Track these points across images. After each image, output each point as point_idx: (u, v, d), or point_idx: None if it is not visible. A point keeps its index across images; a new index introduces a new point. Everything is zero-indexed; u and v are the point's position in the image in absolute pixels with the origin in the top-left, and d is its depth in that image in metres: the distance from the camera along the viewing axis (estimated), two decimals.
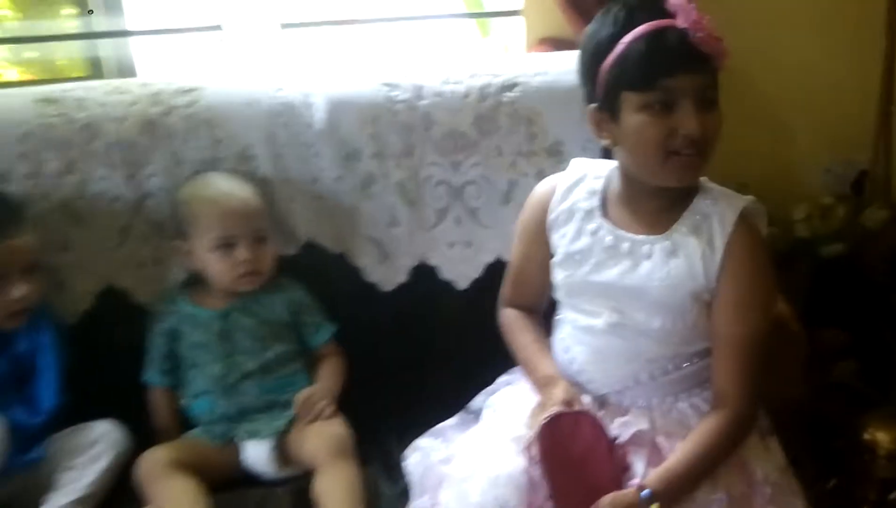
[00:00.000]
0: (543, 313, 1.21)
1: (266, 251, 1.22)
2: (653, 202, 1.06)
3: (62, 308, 1.21)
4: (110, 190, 1.22)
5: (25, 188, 1.17)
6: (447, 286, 1.37)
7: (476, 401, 1.22)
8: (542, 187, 1.17)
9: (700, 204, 1.05)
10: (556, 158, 1.35)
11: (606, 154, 1.12)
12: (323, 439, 1.13)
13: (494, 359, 1.23)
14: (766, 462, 1.03)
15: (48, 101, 1.20)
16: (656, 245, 1.05)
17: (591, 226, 1.09)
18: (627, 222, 1.08)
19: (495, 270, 1.36)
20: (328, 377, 1.25)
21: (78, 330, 1.22)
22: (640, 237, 1.06)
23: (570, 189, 1.13)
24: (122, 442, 1.13)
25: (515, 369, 1.22)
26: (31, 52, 1.72)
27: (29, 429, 1.10)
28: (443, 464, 1.11)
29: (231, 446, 1.17)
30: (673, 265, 1.03)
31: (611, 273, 1.07)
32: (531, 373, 1.13)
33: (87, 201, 1.21)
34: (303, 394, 1.18)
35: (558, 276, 1.12)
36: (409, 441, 1.20)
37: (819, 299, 1.51)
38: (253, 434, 1.16)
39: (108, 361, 1.21)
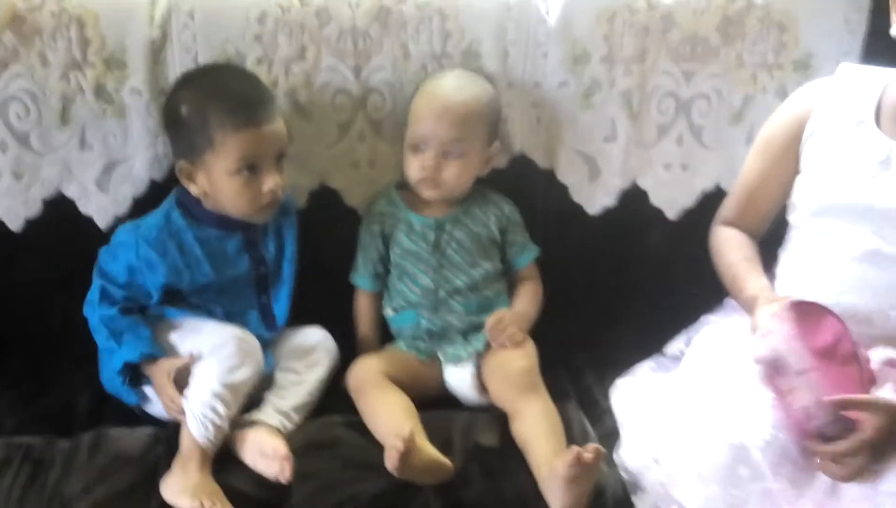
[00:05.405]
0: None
1: (452, 164, 1.11)
2: None
3: None
4: (335, 81, 1.15)
5: (257, 74, 1.11)
6: (656, 215, 1.28)
7: (673, 345, 1.16)
8: (802, 94, 1.08)
9: None
10: (803, 72, 1.21)
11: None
12: (507, 378, 1.06)
13: (697, 300, 1.16)
14: None
15: None
16: None
17: (861, 138, 0.99)
18: None
19: (710, 201, 1.26)
20: (525, 301, 1.18)
21: None
22: None
23: (837, 97, 1.03)
24: (335, 351, 1.10)
25: (719, 309, 1.13)
26: None
27: (262, 341, 1.04)
28: (654, 410, 1.04)
29: (435, 362, 1.13)
30: None
31: (877, 192, 0.96)
32: (740, 292, 1.04)
33: (312, 92, 1.14)
34: (493, 317, 1.11)
35: (807, 194, 1.03)
36: (607, 377, 1.16)
37: None
38: (455, 359, 1.11)
39: (313, 263, 1.16)
